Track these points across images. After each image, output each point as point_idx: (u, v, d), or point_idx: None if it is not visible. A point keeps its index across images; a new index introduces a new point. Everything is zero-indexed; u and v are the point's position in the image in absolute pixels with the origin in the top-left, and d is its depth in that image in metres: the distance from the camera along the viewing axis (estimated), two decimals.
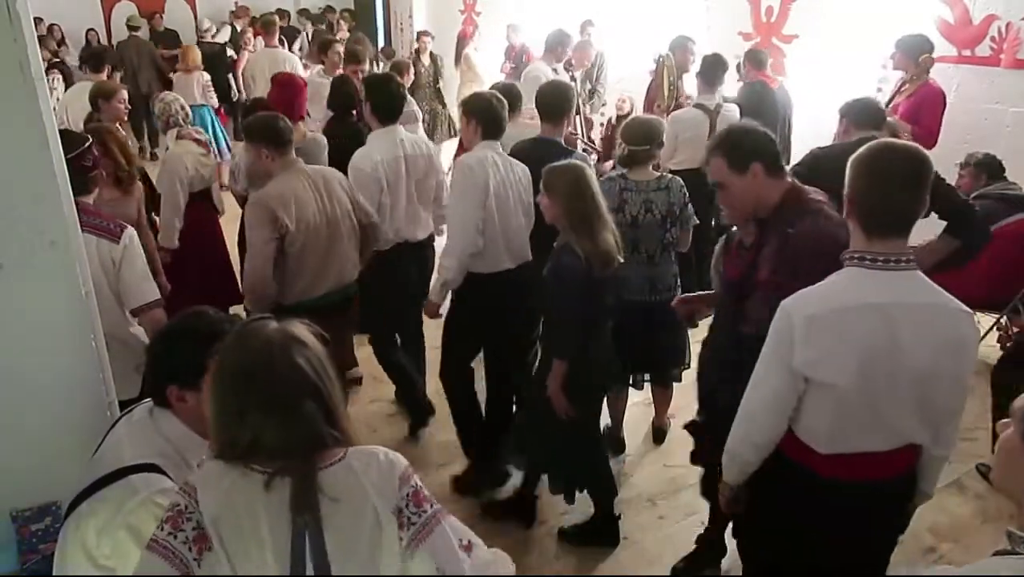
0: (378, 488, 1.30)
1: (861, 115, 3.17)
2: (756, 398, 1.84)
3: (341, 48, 5.76)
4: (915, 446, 1.83)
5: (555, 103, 3.37)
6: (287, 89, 4.25)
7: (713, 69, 4.61)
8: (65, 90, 6.97)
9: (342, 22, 8.37)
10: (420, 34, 8.90)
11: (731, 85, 5.17)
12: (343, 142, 3.90)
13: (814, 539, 1.87)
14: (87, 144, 2.66)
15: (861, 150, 1.78)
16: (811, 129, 5.92)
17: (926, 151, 1.78)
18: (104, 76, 6.24)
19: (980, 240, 3.14)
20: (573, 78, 6.44)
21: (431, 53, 8.33)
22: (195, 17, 11.70)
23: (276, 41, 7.36)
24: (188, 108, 4.29)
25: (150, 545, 1.24)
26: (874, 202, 1.71)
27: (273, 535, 1.24)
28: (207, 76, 7.50)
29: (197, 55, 7.41)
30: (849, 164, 1.78)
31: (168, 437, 1.58)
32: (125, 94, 4.35)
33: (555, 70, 6.06)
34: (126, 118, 4.28)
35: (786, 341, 1.72)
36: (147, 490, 1.44)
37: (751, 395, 1.86)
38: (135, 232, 2.66)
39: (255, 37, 8.64)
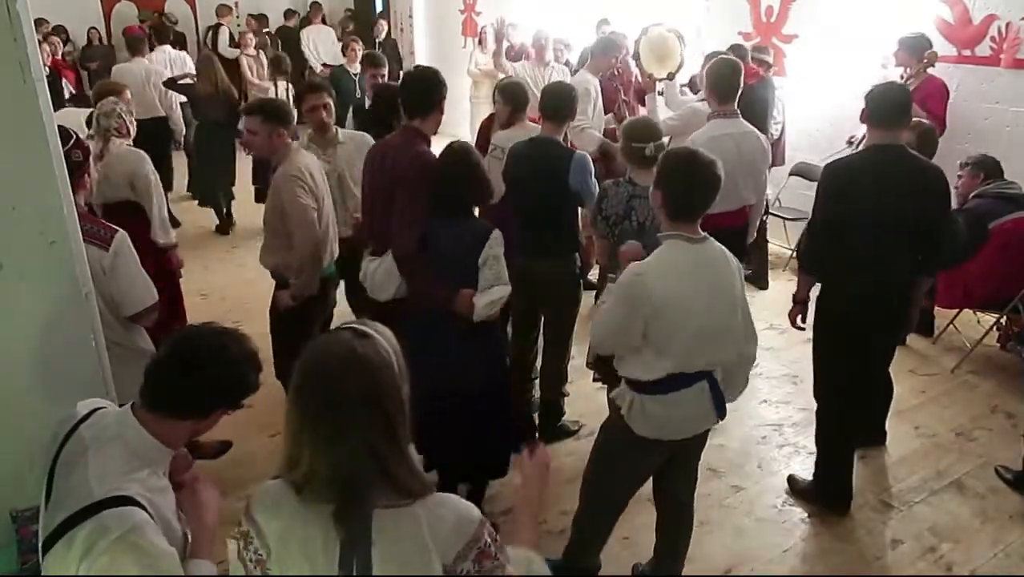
0: (443, 543, 1.25)
1: (878, 111, 2.89)
2: None
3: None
4: (744, 210, 3.73)
5: (559, 105, 3.38)
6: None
7: None
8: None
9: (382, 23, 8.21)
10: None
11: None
12: None
13: None
14: (74, 139, 2.62)
15: (710, 65, 3.67)
16: (810, 129, 5.96)
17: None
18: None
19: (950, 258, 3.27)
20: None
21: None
22: (195, 17, 11.78)
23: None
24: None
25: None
26: (721, 92, 3.62)
27: (324, 563, 1.23)
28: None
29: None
30: (706, 72, 3.67)
31: (136, 451, 1.52)
32: (130, 94, 4.44)
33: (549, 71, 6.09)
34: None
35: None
36: (120, 528, 1.38)
37: None
38: (126, 236, 2.57)
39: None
